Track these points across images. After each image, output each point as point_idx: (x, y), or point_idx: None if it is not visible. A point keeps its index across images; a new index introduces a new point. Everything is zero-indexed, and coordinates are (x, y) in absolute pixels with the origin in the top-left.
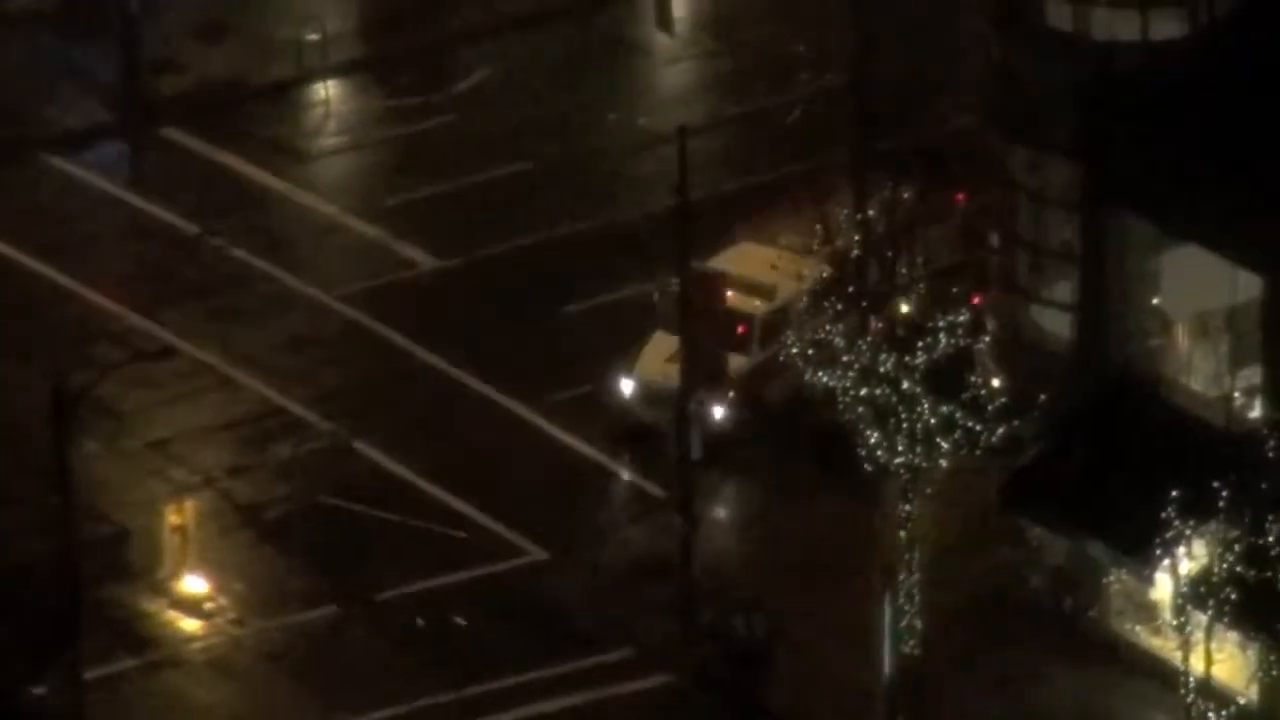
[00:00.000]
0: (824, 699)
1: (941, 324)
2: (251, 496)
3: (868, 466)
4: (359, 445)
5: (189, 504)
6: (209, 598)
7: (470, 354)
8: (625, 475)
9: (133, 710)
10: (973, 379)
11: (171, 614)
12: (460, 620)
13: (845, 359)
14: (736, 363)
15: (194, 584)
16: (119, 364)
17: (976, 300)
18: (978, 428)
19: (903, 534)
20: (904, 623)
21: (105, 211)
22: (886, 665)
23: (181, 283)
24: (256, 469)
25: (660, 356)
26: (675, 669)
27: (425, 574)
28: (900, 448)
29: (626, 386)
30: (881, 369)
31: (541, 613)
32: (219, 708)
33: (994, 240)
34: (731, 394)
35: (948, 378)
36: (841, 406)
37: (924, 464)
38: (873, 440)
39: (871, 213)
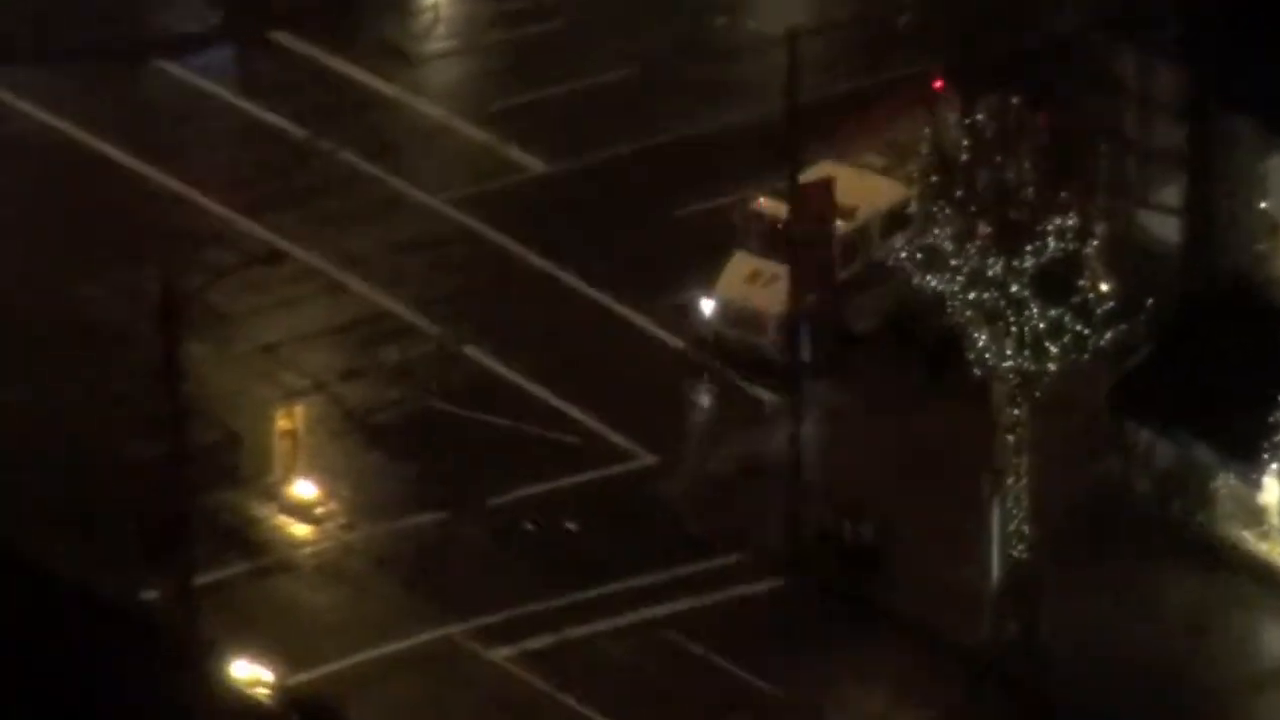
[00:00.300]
0: (933, 602)
1: (1050, 228)
2: (361, 401)
3: (976, 371)
4: (469, 349)
5: (299, 408)
6: (319, 502)
7: (579, 258)
8: (736, 381)
9: (243, 615)
10: (1081, 283)
11: (281, 519)
12: (571, 525)
13: (953, 263)
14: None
15: (304, 489)
16: (229, 268)
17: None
18: (1086, 331)
19: (1011, 438)
20: (1012, 526)
21: (215, 116)
22: (994, 569)
23: (291, 186)
24: (366, 373)
25: (740, 277)
26: (786, 573)
27: (535, 478)
28: (1009, 352)
29: (707, 306)
30: (990, 273)
31: (652, 517)
32: (329, 612)
33: (1102, 145)
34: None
35: (1056, 282)
36: (950, 311)
37: (1032, 368)
38: (981, 344)
39: (980, 118)
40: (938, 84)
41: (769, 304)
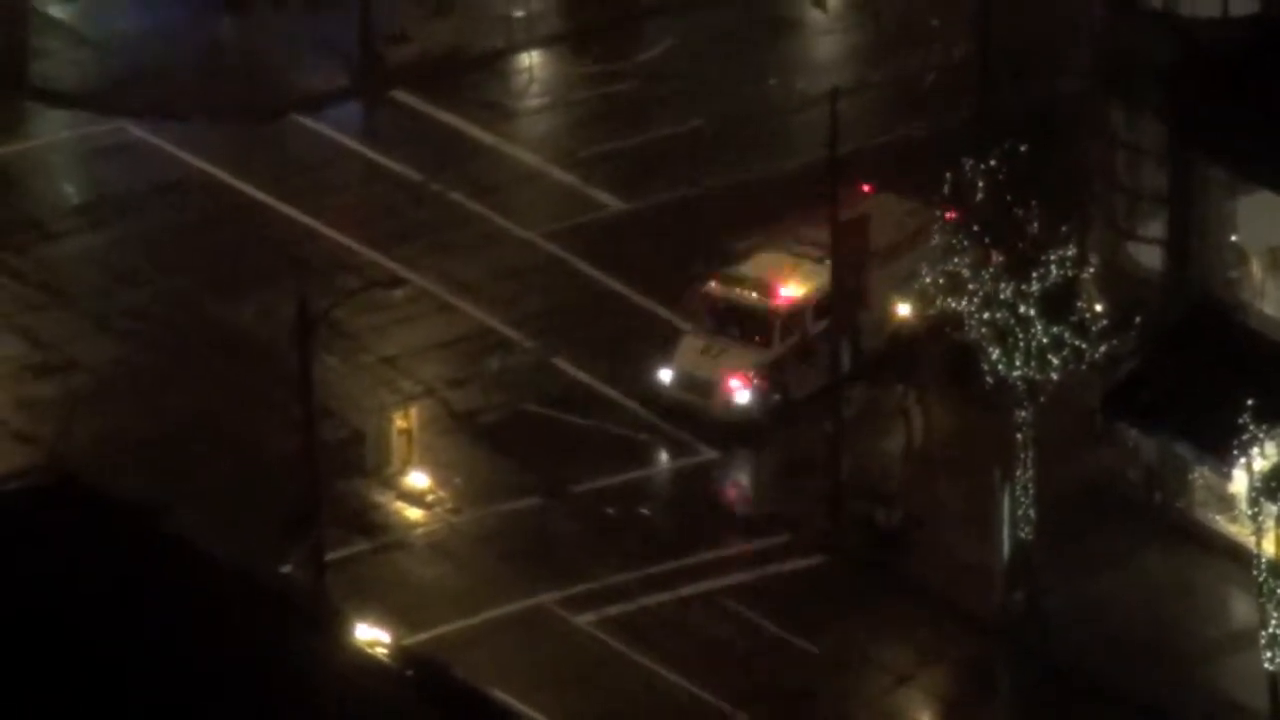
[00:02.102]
0: (952, 576)
1: (1052, 257)
2: (467, 404)
3: (989, 379)
4: (558, 360)
5: (414, 410)
6: (430, 490)
7: (650, 282)
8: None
9: (365, 586)
10: (1079, 304)
11: (398, 504)
12: (645, 510)
13: (970, 287)
14: (760, 355)
15: (418, 479)
16: (355, 291)
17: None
18: (1083, 346)
19: (1019, 436)
20: (1020, 512)
21: (344, 162)
22: (1005, 548)
23: (408, 222)
24: (471, 380)
25: (693, 351)
26: (826, 551)
27: (614, 470)
28: (1017, 363)
29: (665, 376)
30: (1001, 295)
31: (713, 503)
32: (439, 583)
33: (1097, 186)
34: (757, 381)
35: (1058, 303)
36: (967, 328)
37: (1037, 376)
38: (994, 357)
39: (993, 164)
40: (866, 188)
41: (717, 374)
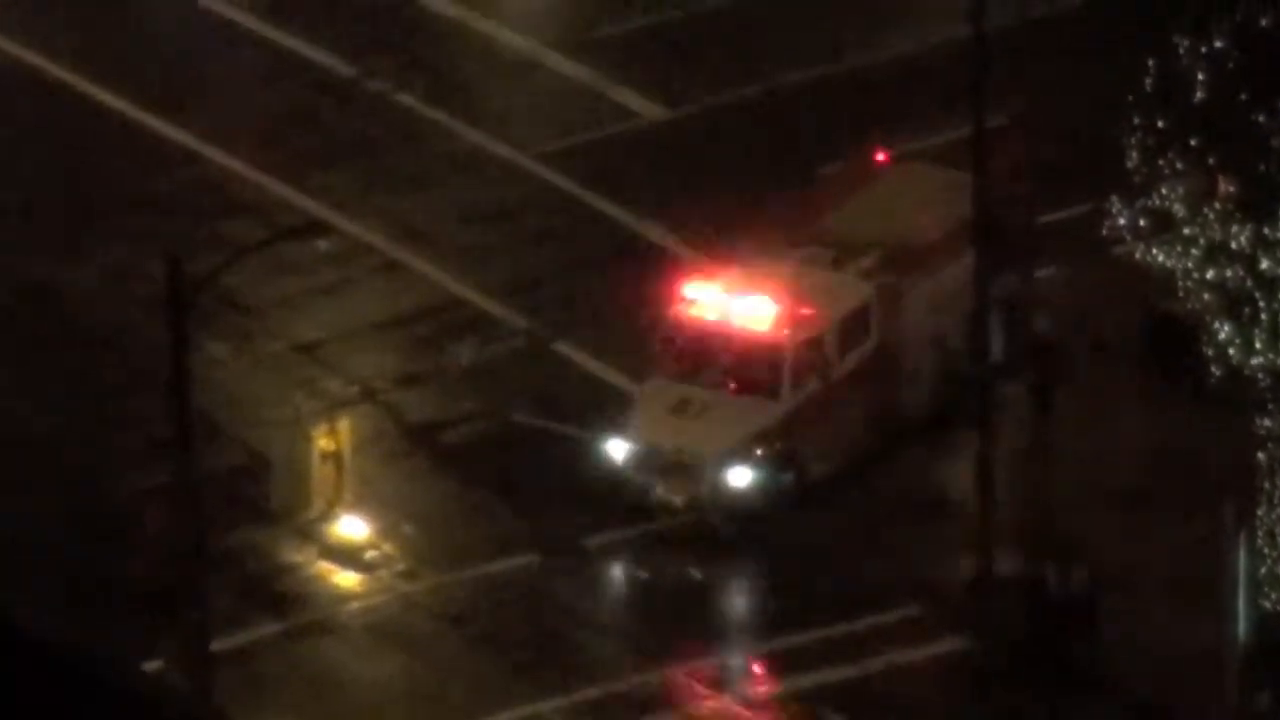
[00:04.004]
0: (1160, 668)
1: None
2: (424, 413)
3: (1215, 370)
4: (561, 346)
5: (345, 424)
6: (371, 544)
7: (704, 228)
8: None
9: (274, 688)
10: None
11: (322, 565)
12: (693, 571)
13: (1187, 231)
14: (764, 413)
15: (351, 527)
16: (257, 245)
17: None
18: None
19: (1262, 456)
20: (1263, 570)
21: (237, 50)
22: (1240, 625)
23: (335, 139)
24: (431, 378)
25: (662, 410)
26: (970, 630)
27: (645, 512)
28: (1258, 345)
29: (618, 450)
30: (1234, 244)
31: (797, 560)
32: (386, 684)
33: None
34: (760, 452)
35: None
36: (1182, 293)
37: None
38: (1222, 336)
39: (1220, 45)
40: (881, 156)
41: (703, 444)
